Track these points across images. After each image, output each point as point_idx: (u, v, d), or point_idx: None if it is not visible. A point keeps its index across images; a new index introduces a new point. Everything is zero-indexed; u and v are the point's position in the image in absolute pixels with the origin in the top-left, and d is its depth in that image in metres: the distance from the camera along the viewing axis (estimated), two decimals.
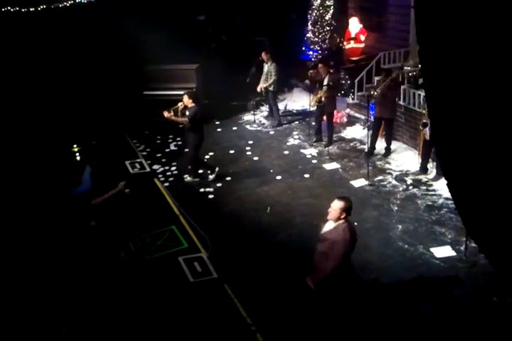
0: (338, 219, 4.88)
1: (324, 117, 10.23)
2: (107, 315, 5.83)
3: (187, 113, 8.75)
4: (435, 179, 8.43)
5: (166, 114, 8.74)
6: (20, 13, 11.45)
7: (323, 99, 9.77)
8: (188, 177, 9.25)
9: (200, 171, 9.41)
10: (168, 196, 8.66)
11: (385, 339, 5.37)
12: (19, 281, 6.20)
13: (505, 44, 2.07)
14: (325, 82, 9.79)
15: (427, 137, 8.21)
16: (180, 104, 8.84)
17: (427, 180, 8.53)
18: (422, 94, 9.06)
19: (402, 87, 9.79)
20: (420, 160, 8.75)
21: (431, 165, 8.73)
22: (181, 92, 11.55)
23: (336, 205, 4.84)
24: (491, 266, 3.01)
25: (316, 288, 5.07)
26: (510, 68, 2.09)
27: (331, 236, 4.91)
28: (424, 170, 8.69)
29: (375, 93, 8.82)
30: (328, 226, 5.01)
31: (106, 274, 6.44)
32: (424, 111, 8.50)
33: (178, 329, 5.64)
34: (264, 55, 11.25)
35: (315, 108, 10.28)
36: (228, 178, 9.21)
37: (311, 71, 10.30)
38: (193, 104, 8.71)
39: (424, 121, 8.21)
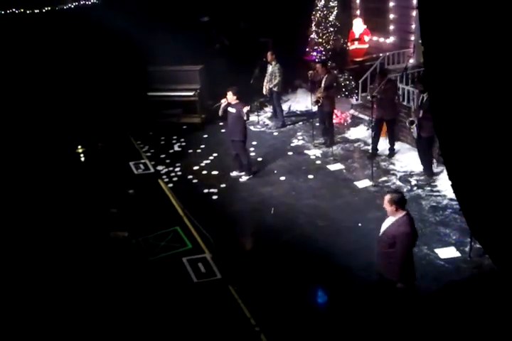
0: (395, 213, 4.92)
1: None
2: (111, 315, 5.84)
3: (233, 110, 8.72)
4: (427, 178, 8.50)
5: (245, 109, 8.63)
6: (25, 14, 11.51)
7: (320, 99, 9.77)
8: (244, 177, 9.18)
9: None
10: (172, 197, 8.67)
11: (387, 338, 5.35)
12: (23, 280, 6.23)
13: (509, 44, 2.06)
14: (323, 82, 9.80)
15: (415, 135, 8.24)
16: (223, 100, 8.82)
17: (432, 180, 8.51)
18: (413, 90, 9.24)
19: (406, 88, 9.78)
20: (420, 161, 8.76)
21: (435, 166, 8.73)
22: (185, 93, 11.72)
23: (385, 199, 4.94)
24: (496, 267, 3.00)
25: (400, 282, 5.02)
26: None
27: (390, 231, 4.94)
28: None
29: (377, 95, 8.86)
30: (387, 222, 5.07)
31: (111, 273, 6.47)
32: (412, 108, 8.53)
33: (182, 330, 5.64)
34: (269, 56, 11.24)
35: (317, 109, 10.29)
36: (232, 179, 9.20)
37: (310, 72, 10.30)
38: (238, 101, 8.72)
39: (411, 119, 8.23)
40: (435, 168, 8.71)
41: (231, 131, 9.06)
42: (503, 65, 2.14)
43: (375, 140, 9.53)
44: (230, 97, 8.70)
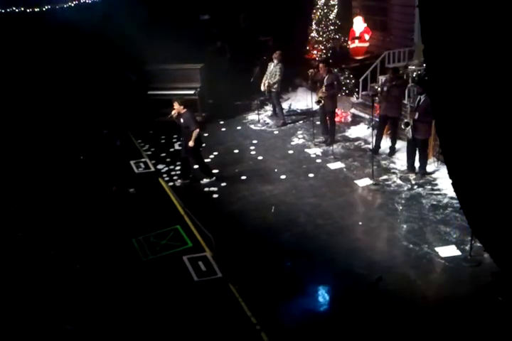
0: None
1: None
2: (112, 313, 5.85)
3: (182, 120, 8.65)
4: (420, 178, 8.53)
5: (191, 143, 8.53)
6: (25, 13, 11.50)
7: (322, 99, 9.78)
8: (205, 179, 9.13)
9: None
10: (173, 195, 8.68)
11: (388, 337, 5.36)
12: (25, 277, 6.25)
13: (508, 42, 2.07)
14: (325, 82, 9.80)
15: (409, 136, 8.26)
16: (174, 112, 8.74)
17: (432, 179, 8.52)
18: (413, 89, 9.24)
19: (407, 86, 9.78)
20: (406, 159, 8.81)
21: (435, 164, 8.74)
22: (186, 92, 11.70)
23: None
24: (496, 265, 3.00)
25: None
26: None
27: None
28: (411, 168, 8.73)
29: (383, 91, 8.93)
30: None
31: (112, 271, 6.48)
32: (409, 109, 8.57)
33: (182, 329, 5.65)
34: (277, 53, 11.16)
35: (318, 108, 10.30)
36: (232, 178, 9.21)
37: (311, 70, 10.30)
38: (185, 110, 8.67)
39: (406, 120, 8.25)
40: (434, 167, 8.73)
41: (185, 142, 8.75)
42: (503, 63, 2.14)
43: (379, 137, 9.52)
44: (177, 107, 8.61)
